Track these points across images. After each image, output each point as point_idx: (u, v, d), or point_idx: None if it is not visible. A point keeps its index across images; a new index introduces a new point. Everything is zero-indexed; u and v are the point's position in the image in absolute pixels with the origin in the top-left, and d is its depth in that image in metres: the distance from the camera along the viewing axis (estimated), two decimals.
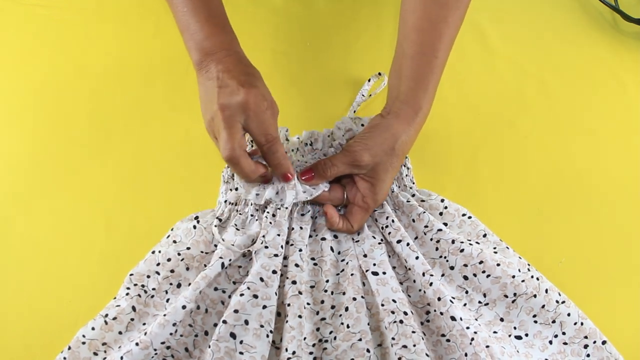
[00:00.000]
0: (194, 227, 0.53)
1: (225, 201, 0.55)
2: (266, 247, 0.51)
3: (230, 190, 0.56)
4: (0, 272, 0.53)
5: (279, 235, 0.52)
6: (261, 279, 0.49)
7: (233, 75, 0.48)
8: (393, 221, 0.54)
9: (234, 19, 0.55)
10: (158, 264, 0.51)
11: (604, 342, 0.48)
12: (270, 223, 0.53)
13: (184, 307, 0.47)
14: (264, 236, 0.52)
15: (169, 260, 0.51)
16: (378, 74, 0.67)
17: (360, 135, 0.54)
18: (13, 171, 0.59)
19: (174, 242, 0.52)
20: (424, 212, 0.54)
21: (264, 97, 0.48)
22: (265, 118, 0.48)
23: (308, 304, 0.49)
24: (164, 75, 0.66)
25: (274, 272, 0.50)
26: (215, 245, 0.53)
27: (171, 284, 0.51)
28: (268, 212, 0.54)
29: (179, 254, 0.51)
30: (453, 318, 0.47)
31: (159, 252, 0.52)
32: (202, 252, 0.52)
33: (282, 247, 0.52)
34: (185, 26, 0.53)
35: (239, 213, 0.54)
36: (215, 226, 0.53)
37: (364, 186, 0.54)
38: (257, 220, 0.54)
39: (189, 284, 0.51)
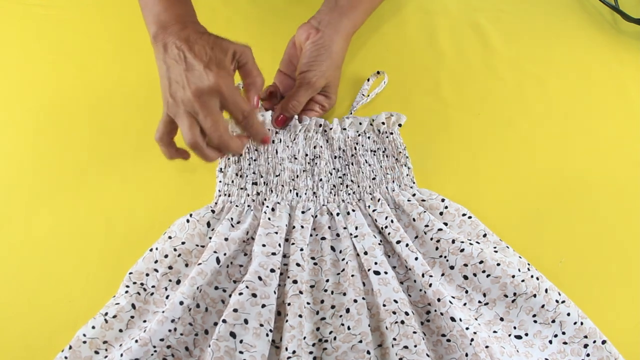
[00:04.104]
0: (187, 220, 0.53)
1: (221, 170, 0.58)
2: (263, 245, 0.51)
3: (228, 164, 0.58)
4: (0, 272, 0.53)
5: (276, 233, 0.52)
6: (259, 278, 0.49)
7: (195, 54, 0.49)
8: (392, 221, 0.54)
9: (234, 19, 0.55)
10: (156, 261, 0.51)
11: (603, 342, 0.48)
12: (269, 219, 0.53)
13: (181, 302, 0.47)
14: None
15: (166, 256, 0.51)
16: (377, 73, 0.67)
17: (310, 62, 0.59)
18: (13, 171, 0.59)
19: (169, 237, 0.52)
20: (424, 211, 0.54)
21: (229, 72, 0.50)
22: (237, 97, 0.49)
23: (308, 303, 0.49)
24: None
25: (272, 270, 0.50)
26: (210, 238, 0.53)
27: (170, 280, 0.51)
28: (267, 207, 0.54)
29: (175, 250, 0.51)
30: (453, 319, 0.47)
31: (156, 249, 0.52)
32: (197, 245, 0.52)
33: (280, 245, 0.52)
34: (144, 0, 0.54)
35: (235, 205, 0.54)
36: (212, 211, 0.54)
37: (320, 98, 0.61)
38: (252, 211, 0.54)
39: None
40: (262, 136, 0.53)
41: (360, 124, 0.61)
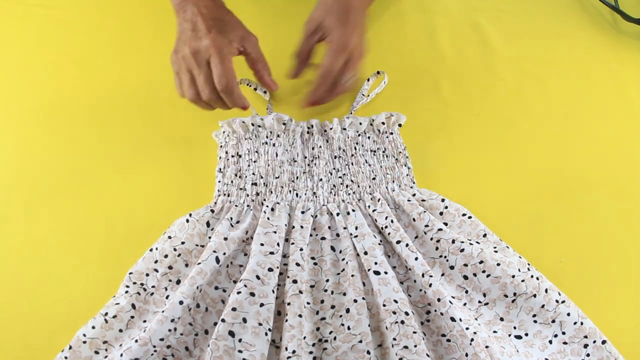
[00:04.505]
0: (187, 220, 0.53)
1: (220, 170, 0.58)
2: (262, 244, 0.51)
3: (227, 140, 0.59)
4: (0, 272, 0.53)
5: (275, 232, 0.52)
6: (257, 277, 0.49)
7: (204, 19, 0.56)
8: (392, 221, 0.54)
9: None
10: (156, 261, 0.51)
11: (603, 342, 0.48)
12: (268, 218, 0.53)
13: (181, 302, 0.47)
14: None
15: (165, 256, 0.51)
16: (377, 73, 0.67)
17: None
18: (13, 171, 0.59)
19: (169, 237, 0.53)
20: (424, 211, 0.54)
21: (229, 42, 0.56)
22: (225, 63, 0.54)
23: (308, 303, 0.49)
24: (164, 75, 0.66)
25: (270, 269, 0.50)
26: (210, 237, 0.53)
27: (170, 280, 0.51)
28: (267, 207, 0.54)
29: (174, 250, 0.51)
30: (453, 319, 0.47)
31: (156, 249, 0.52)
32: (197, 245, 0.52)
33: (278, 244, 0.52)
34: None
35: (235, 205, 0.55)
36: (212, 210, 0.54)
37: (327, 48, 0.60)
38: (252, 211, 0.54)
39: None
40: (240, 106, 0.57)
41: (361, 124, 0.61)
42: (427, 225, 0.54)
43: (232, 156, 0.58)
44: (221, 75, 0.54)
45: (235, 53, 0.57)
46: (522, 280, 0.50)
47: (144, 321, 0.49)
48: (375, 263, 0.51)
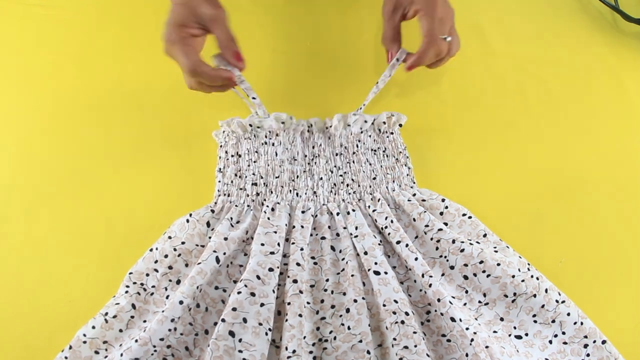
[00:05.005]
0: (187, 220, 0.53)
1: (220, 170, 0.57)
2: (262, 244, 0.51)
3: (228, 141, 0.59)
4: (0, 272, 0.53)
5: (275, 232, 0.52)
6: (258, 277, 0.49)
7: (173, 10, 0.53)
8: (392, 221, 0.54)
9: (234, 19, 0.55)
10: (156, 262, 0.51)
11: (603, 342, 0.48)
12: (269, 218, 0.53)
13: (181, 302, 0.47)
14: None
15: (166, 256, 0.51)
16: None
17: None
18: (13, 171, 0.59)
19: (169, 237, 0.52)
20: (425, 211, 0.54)
21: (184, 26, 0.53)
22: (184, 50, 0.52)
23: (308, 303, 0.49)
24: (164, 75, 0.66)
25: (271, 269, 0.50)
26: (210, 237, 0.53)
27: (170, 280, 0.51)
28: (267, 207, 0.54)
29: (175, 250, 0.51)
30: (453, 319, 0.47)
31: (156, 249, 0.52)
32: (197, 245, 0.52)
33: (279, 244, 0.52)
34: None
35: (235, 205, 0.55)
36: (212, 211, 0.54)
37: (419, 16, 0.58)
38: (252, 210, 0.54)
39: None
40: (222, 79, 0.54)
41: (366, 121, 0.61)
42: (427, 225, 0.54)
43: (232, 156, 0.58)
44: (184, 63, 0.52)
45: (193, 35, 0.54)
46: (522, 280, 0.50)
47: (144, 321, 0.49)
48: (375, 263, 0.51)
